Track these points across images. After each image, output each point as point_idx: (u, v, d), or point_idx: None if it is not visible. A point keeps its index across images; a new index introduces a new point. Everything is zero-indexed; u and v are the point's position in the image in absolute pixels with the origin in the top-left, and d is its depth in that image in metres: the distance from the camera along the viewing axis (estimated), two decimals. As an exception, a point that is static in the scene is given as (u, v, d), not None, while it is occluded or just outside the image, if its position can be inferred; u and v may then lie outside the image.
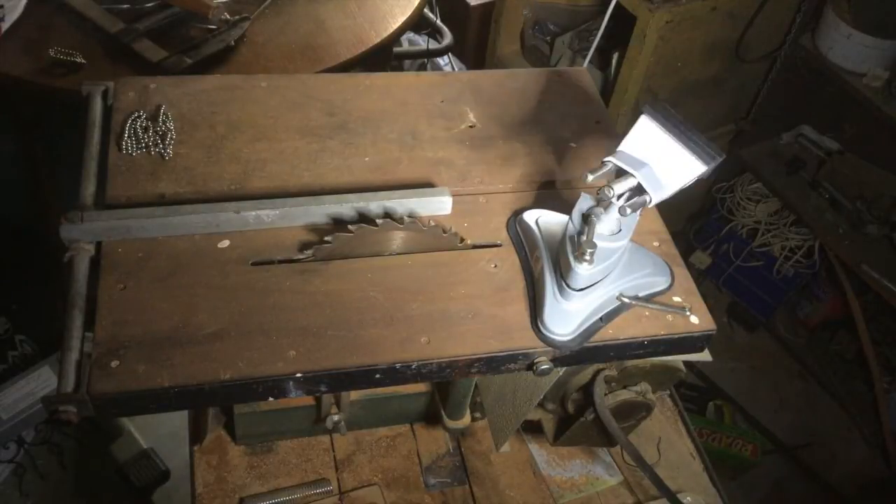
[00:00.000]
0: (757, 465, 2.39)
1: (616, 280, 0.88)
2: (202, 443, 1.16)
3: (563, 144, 1.09)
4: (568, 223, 0.86)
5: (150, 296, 0.83)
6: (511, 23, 2.47)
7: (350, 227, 0.88)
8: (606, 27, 1.95)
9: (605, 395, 1.05)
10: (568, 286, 0.85)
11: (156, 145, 0.98)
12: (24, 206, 2.16)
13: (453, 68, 2.56)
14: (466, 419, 1.18)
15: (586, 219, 0.83)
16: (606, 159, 0.82)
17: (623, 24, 2.03)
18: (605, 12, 1.93)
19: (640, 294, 0.91)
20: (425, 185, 1.00)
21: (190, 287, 0.85)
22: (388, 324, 0.85)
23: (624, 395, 1.07)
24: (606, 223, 0.83)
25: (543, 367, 0.86)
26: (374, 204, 0.93)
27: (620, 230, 0.84)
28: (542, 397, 1.05)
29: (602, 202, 0.82)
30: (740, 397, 2.65)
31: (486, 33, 2.54)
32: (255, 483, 1.13)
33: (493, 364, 0.86)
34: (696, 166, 0.80)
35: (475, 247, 0.94)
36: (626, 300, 0.89)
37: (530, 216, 0.96)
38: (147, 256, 0.87)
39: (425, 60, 2.47)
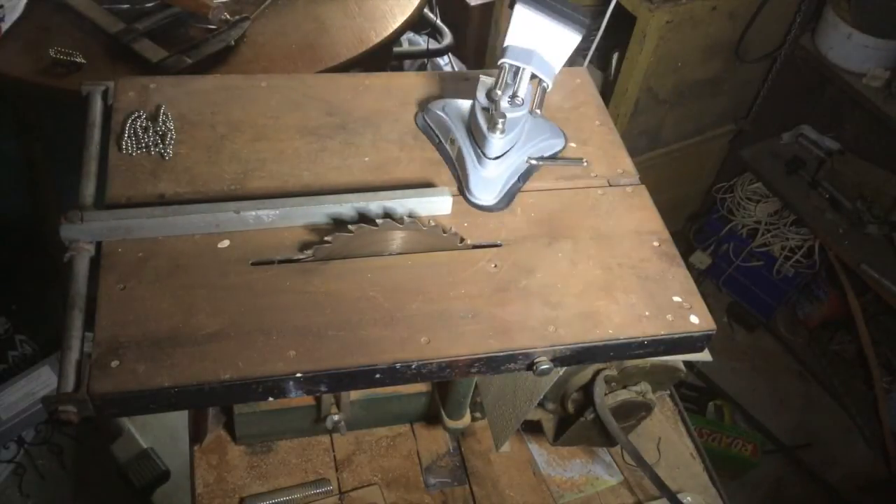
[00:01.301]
0: (757, 465, 2.39)
1: (523, 146, 1.01)
2: (202, 443, 1.16)
3: (565, 145, 1.09)
4: (475, 103, 0.97)
5: (150, 296, 0.83)
6: (511, 23, 2.47)
7: (350, 227, 0.88)
8: (606, 27, 1.95)
9: (605, 395, 1.06)
10: (486, 156, 0.97)
11: (156, 145, 0.98)
12: (24, 206, 2.16)
13: (453, 68, 2.56)
14: (466, 419, 1.18)
15: (490, 96, 0.94)
16: (501, 61, 0.92)
17: (623, 24, 2.03)
18: (605, 12, 1.93)
19: (545, 155, 1.04)
20: (425, 185, 1.00)
21: (190, 287, 0.85)
22: (388, 324, 0.85)
23: (624, 395, 1.07)
24: (501, 95, 0.94)
25: (543, 367, 0.86)
26: (374, 204, 0.93)
27: (523, 101, 0.94)
28: (542, 397, 1.05)
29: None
30: (740, 397, 2.65)
31: (486, 33, 2.54)
32: (255, 483, 1.13)
33: (493, 364, 0.86)
34: (573, 37, 0.93)
35: (475, 247, 0.94)
36: (534, 161, 1.01)
37: (436, 106, 1.05)
38: (147, 256, 0.87)
39: (425, 60, 2.47)
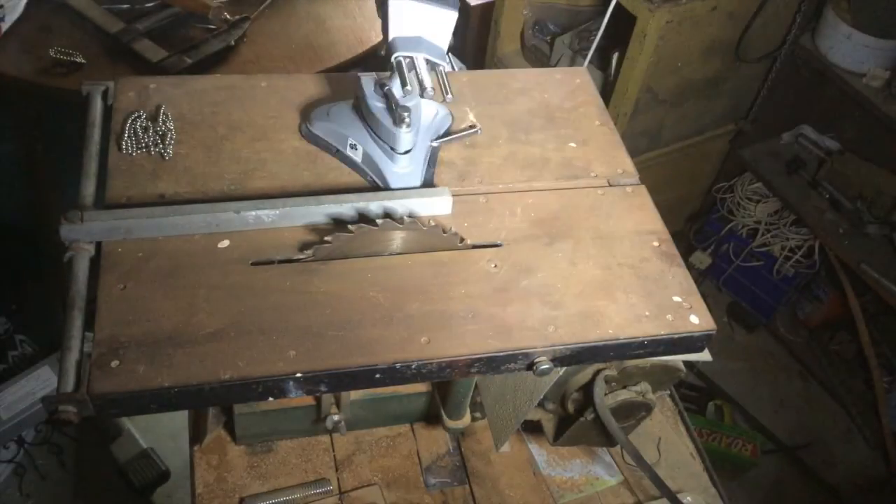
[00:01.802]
0: (757, 465, 2.39)
1: (426, 132, 1.02)
2: (202, 443, 1.16)
3: (563, 144, 1.09)
4: (367, 104, 0.97)
5: (150, 296, 0.83)
6: (511, 23, 2.47)
7: (350, 227, 0.88)
8: (606, 27, 1.95)
9: (605, 395, 1.05)
10: (397, 152, 0.97)
11: (156, 145, 0.98)
12: (24, 206, 2.16)
13: (453, 68, 2.56)
14: (466, 419, 1.18)
15: (386, 92, 0.96)
16: (395, 56, 0.93)
17: (623, 24, 2.03)
18: (605, 12, 1.93)
19: (440, 133, 1.06)
20: (425, 185, 1.00)
21: (190, 287, 0.85)
22: (388, 324, 0.85)
23: (624, 395, 1.07)
24: (398, 89, 0.95)
25: (543, 367, 0.86)
26: (374, 204, 0.93)
27: (410, 89, 0.93)
28: (542, 397, 1.05)
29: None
30: (740, 397, 2.65)
31: (486, 33, 2.54)
32: (255, 483, 1.13)
33: (493, 364, 0.86)
34: (450, 15, 0.94)
35: (475, 247, 0.94)
36: (435, 144, 1.03)
37: (319, 115, 1.04)
38: (147, 256, 0.87)
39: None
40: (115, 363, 0.77)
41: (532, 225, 0.98)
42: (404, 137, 0.95)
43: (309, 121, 1.04)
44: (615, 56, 2.18)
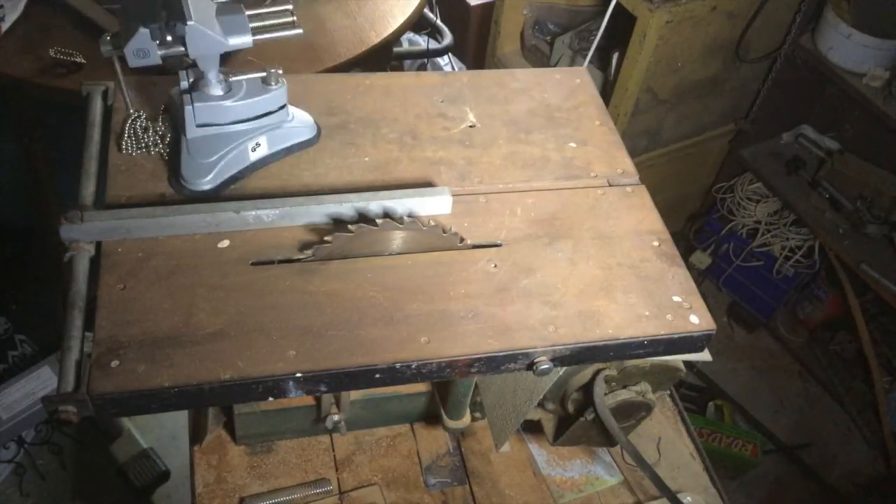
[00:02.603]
0: (757, 465, 2.39)
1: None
2: (202, 443, 1.16)
3: (563, 144, 1.09)
4: (230, 105, 0.94)
5: (150, 296, 0.83)
6: (511, 23, 2.47)
7: (350, 226, 0.88)
8: (606, 27, 1.95)
9: (605, 395, 1.05)
10: (280, 108, 0.98)
11: (155, 145, 0.98)
12: (24, 206, 2.17)
13: (453, 68, 2.57)
14: (466, 419, 1.18)
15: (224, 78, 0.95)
16: (254, 41, 0.90)
17: (623, 24, 2.03)
18: (605, 12, 1.93)
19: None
20: (425, 184, 1.00)
21: (190, 287, 0.85)
22: (388, 324, 0.85)
23: (624, 395, 1.07)
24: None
25: (543, 367, 0.86)
26: (374, 204, 0.93)
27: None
28: (542, 397, 1.05)
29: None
30: (740, 397, 2.65)
31: (486, 33, 2.54)
32: (255, 483, 1.13)
33: (493, 364, 0.86)
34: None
35: (475, 247, 0.94)
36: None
37: (197, 165, 0.96)
38: (147, 256, 0.87)
39: (425, 60, 2.47)
40: (115, 363, 0.77)
41: (532, 225, 0.98)
42: (284, 90, 0.99)
43: (187, 181, 0.94)
44: (615, 56, 2.19)
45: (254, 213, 0.90)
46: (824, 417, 2.67)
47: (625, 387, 1.08)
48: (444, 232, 0.92)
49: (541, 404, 1.11)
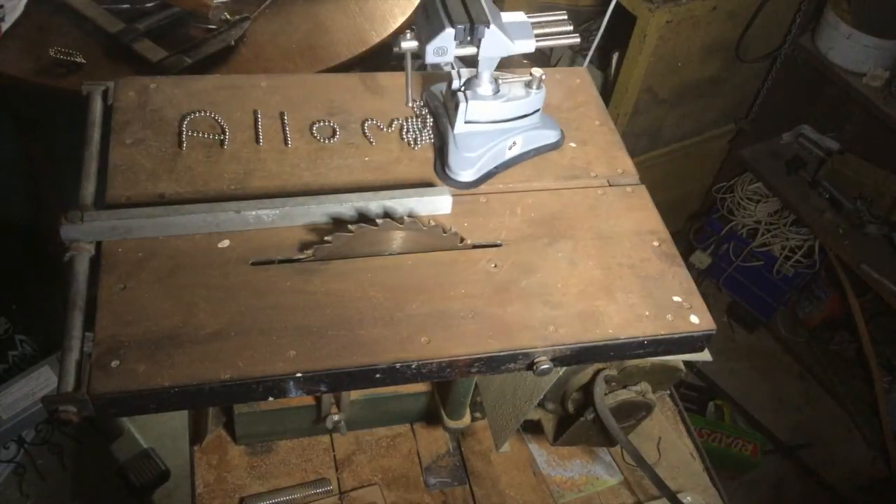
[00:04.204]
0: (757, 465, 2.39)
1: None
2: (202, 443, 1.16)
3: (563, 144, 1.09)
4: (493, 101, 0.99)
5: (150, 296, 0.83)
6: (511, 23, 2.47)
7: (350, 226, 0.88)
8: (606, 27, 1.95)
9: (605, 395, 1.05)
10: (535, 114, 1.03)
11: (430, 138, 1.05)
12: (24, 206, 2.16)
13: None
14: (466, 419, 1.18)
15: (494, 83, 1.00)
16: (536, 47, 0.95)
17: (623, 24, 2.03)
18: (605, 12, 1.93)
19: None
20: (425, 184, 1.00)
21: (190, 287, 0.85)
22: (388, 323, 0.85)
23: (624, 394, 1.07)
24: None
25: (543, 366, 0.86)
26: (374, 204, 0.93)
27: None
28: (542, 397, 1.05)
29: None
30: (740, 397, 2.65)
31: (486, 33, 2.54)
32: (255, 483, 1.13)
33: (493, 364, 0.86)
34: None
35: (475, 247, 0.94)
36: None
37: (461, 156, 1.02)
38: (147, 256, 0.87)
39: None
40: (115, 363, 0.77)
41: (532, 225, 0.98)
42: (543, 93, 1.03)
43: (453, 172, 1.01)
44: (615, 56, 2.19)
45: (254, 213, 0.90)
46: (824, 417, 2.67)
47: (625, 387, 1.08)
48: (445, 232, 0.92)
49: (541, 404, 1.11)
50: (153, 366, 0.78)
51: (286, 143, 1.02)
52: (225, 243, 0.90)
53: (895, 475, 2.47)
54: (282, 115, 1.05)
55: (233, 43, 1.57)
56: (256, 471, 1.15)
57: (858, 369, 2.66)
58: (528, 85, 1.01)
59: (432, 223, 0.91)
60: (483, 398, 1.20)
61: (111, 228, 0.87)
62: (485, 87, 1.00)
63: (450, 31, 0.91)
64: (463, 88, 1.00)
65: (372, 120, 1.07)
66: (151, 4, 1.62)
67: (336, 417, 1.12)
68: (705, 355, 1.02)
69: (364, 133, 1.05)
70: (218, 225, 0.90)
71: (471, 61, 0.97)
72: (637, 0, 1.97)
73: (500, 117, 1.01)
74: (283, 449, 1.18)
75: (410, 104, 1.06)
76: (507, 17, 0.96)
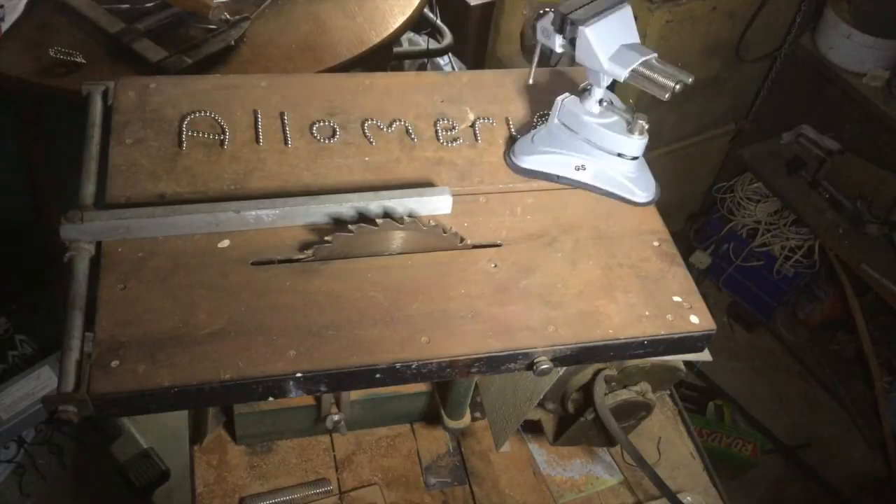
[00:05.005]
0: (757, 465, 2.39)
1: None
2: (202, 443, 1.16)
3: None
4: (590, 121, 0.98)
5: (150, 296, 0.83)
6: (511, 23, 2.47)
7: (350, 226, 0.88)
8: (606, 27, 1.95)
9: (605, 394, 1.06)
10: (629, 158, 0.99)
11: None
12: (24, 206, 2.16)
13: (453, 68, 2.56)
14: (466, 419, 1.18)
15: (610, 106, 0.98)
16: (626, 73, 0.92)
17: (623, 24, 2.03)
18: (605, 12, 1.93)
19: None
20: (425, 184, 1.00)
21: (190, 287, 0.85)
22: (388, 324, 0.85)
23: (624, 394, 1.07)
24: (617, 101, 0.99)
25: (543, 366, 0.86)
26: (374, 204, 0.93)
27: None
28: (542, 397, 1.05)
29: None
30: (740, 397, 2.65)
31: (486, 33, 2.54)
32: (255, 483, 1.13)
33: (493, 364, 0.86)
34: (627, 9, 0.95)
35: (475, 247, 0.94)
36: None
37: (524, 146, 1.03)
38: (147, 256, 0.87)
39: (425, 60, 2.47)
40: (115, 363, 0.77)
41: (532, 225, 0.98)
42: (638, 143, 0.98)
43: (514, 155, 1.04)
44: (615, 56, 2.18)
45: (254, 213, 0.90)
46: (824, 417, 2.67)
47: (625, 387, 1.08)
48: (445, 232, 0.92)
49: (541, 404, 1.11)
50: (153, 366, 0.78)
51: (286, 143, 1.02)
52: (225, 243, 0.90)
53: (895, 475, 2.47)
54: (282, 115, 1.05)
55: (233, 43, 1.57)
56: (256, 471, 1.15)
57: (858, 369, 2.66)
58: (629, 125, 0.98)
59: (432, 223, 0.91)
60: (483, 398, 1.20)
61: (111, 228, 0.87)
62: (591, 101, 0.98)
63: (551, 15, 0.94)
64: (580, 91, 1.00)
65: (372, 120, 1.07)
66: (151, 4, 1.62)
67: (336, 417, 1.12)
68: (705, 355, 1.02)
69: (364, 133, 1.05)
70: (218, 225, 0.90)
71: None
72: (637, 0, 1.97)
73: (588, 136, 0.99)
74: (283, 449, 1.18)
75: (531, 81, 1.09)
76: (634, 47, 0.94)
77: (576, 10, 0.93)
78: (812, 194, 2.48)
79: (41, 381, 2.09)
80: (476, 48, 2.64)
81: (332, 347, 0.82)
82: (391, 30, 1.69)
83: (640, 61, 0.92)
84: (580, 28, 0.92)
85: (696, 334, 0.91)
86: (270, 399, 0.82)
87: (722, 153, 2.70)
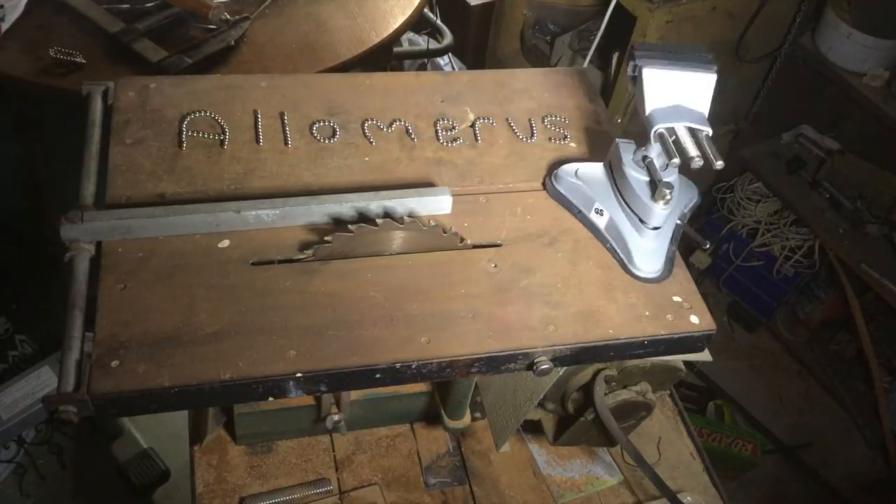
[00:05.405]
0: (757, 465, 2.39)
1: (674, 208, 0.96)
2: (202, 443, 1.16)
3: (564, 144, 1.09)
4: (623, 170, 0.93)
5: (151, 296, 0.83)
6: (511, 23, 2.47)
7: (350, 226, 0.88)
8: (606, 27, 1.95)
9: (605, 394, 1.05)
10: (648, 226, 0.92)
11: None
12: (24, 206, 2.16)
13: (453, 68, 2.56)
14: (466, 419, 1.18)
15: (647, 164, 0.91)
16: (655, 129, 0.89)
17: (623, 24, 2.03)
18: (605, 12, 1.93)
19: (684, 211, 0.99)
20: (425, 184, 1.00)
21: (190, 287, 0.85)
22: (388, 324, 0.85)
23: (624, 394, 1.07)
24: (660, 162, 0.91)
25: (543, 366, 0.86)
26: (374, 204, 0.93)
27: (668, 165, 0.89)
28: (542, 397, 1.05)
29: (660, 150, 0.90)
30: (740, 397, 2.65)
31: (486, 33, 2.54)
32: (255, 483, 1.13)
33: (493, 364, 0.86)
34: (709, 78, 0.90)
35: (475, 247, 0.94)
36: (679, 223, 0.97)
37: (567, 171, 1.00)
38: (147, 256, 0.87)
39: (425, 60, 2.47)
40: (115, 363, 0.77)
41: (532, 225, 0.98)
42: (660, 213, 0.91)
43: (555, 177, 1.01)
44: (615, 56, 2.18)
45: (254, 213, 0.90)
46: (824, 417, 2.67)
47: (625, 387, 1.08)
48: (445, 232, 0.92)
49: (541, 404, 1.11)
50: (153, 366, 0.78)
51: (286, 143, 1.02)
52: (225, 243, 0.90)
53: (895, 475, 2.47)
54: (282, 115, 1.05)
55: (233, 43, 1.56)
56: (256, 471, 1.15)
57: (858, 369, 2.66)
58: (653, 192, 0.91)
59: (432, 223, 0.91)
60: (483, 398, 1.20)
61: (111, 228, 0.87)
62: (638, 152, 0.93)
63: (649, 146, 0.91)
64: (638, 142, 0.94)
65: (372, 120, 1.07)
66: (151, 4, 1.62)
67: (336, 417, 1.12)
68: (705, 355, 1.02)
69: (364, 133, 1.05)
70: (218, 225, 0.90)
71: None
72: (637, 0, 1.98)
73: (619, 181, 0.95)
74: (283, 449, 1.18)
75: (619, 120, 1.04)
76: (693, 114, 0.90)
77: (660, 52, 0.89)
78: (812, 194, 2.48)
79: (41, 381, 2.09)
80: (476, 48, 2.64)
81: (333, 347, 0.82)
82: (391, 30, 1.69)
83: (679, 125, 0.88)
84: (640, 66, 0.89)
85: (696, 334, 0.91)
86: (270, 399, 0.82)
87: (722, 153, 2.70)
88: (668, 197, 0.89)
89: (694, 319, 0.91)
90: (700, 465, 1.26)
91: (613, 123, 1.15)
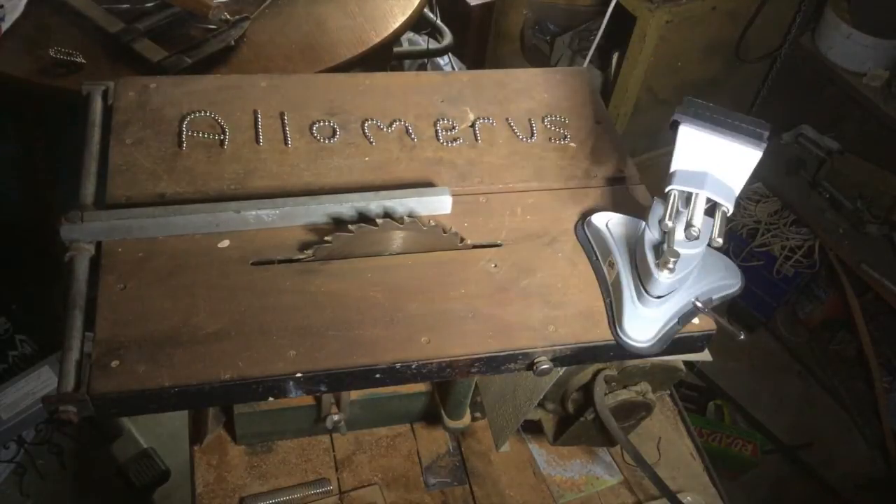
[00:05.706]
0: (757, 465, 2.39)
1: (693, 284, 0.88)
2: (202, 443, 1.16)
3: (563, 144, 1.09)
4: (644, 230, 0.87)
5: (150, 296, 0.83)
6: (511, 23, 2.47)
7: (350, 226, 0.88)
8: (606, 27, 1.95)
9: (605, 395, 1.05)
10: (648, 293, 0.86)
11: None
12: (24, 206, 2.16)
13: (453, 68, 2.56)
14: (466, 419, 1.18)
15: (662, 226, 0.84)
16: (669, 188, 0.82)
17: (623, 24, 2.03)
18: (605, 12, 1.93)
19: (713, 297, 0.91)
20: (425, 184, 1.00)
21: (190, 287, 0.85)
22: (388, 324, 0.85)
23: (624, 395, 1.07)
24: (682, 229, 0.83)
25: (543, 367, 0.86)
26: (374, 204, 0.93)
27: (699, 232, 0.82)
28: (542, 397, 1.05)
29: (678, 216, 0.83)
30: (740, 397, 2.65)
31: (486, 33, 2.54)
32: (255, 483, 1.13)
33: (493, 364, 0.86)
34: (752, 154, 0.79)
35: (475, 247, 0.94)
36: (699, 305, 0.87)
37: (600, 219, 0.95)
38: (147, 256, 0.87)
39: (425, 60, 2.47)
40: (115, 363, 0.77)
41: (532, 225, 0.98)
42: (661, 281, 0.83)
43: (588, 220, 0.96)
44: (615, 56, 2.19)
45: (254, 212, 0.90)
46: (824, 417, 2.67)
47: (625, 387, 1.08)
48: (445, 232, 0.92)
49: (541, 404, 1.11)
50: (153, 366, 0.78)
51: (286, 143, 1.02)
52: (225, 243, 0.90)
53: (895, 475, 2.47)
54: (282, 115, 1.05)
55: (233, 43, 1.56)
56: (256, 471, 1.15)
57: (858, 369, 2.65)
58: (661, 260, 0.84)
59: (432, 223, 0.91)
60: (483, 398, 1.20)
61: (111, 228, 0.87)
62: (666, 212, 0.84)
63: (673, 197, 0.83)
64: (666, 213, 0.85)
65: (372, 120, 1.07)
66: (151, 4, 1.62)
67: (336, 417, 1.12)
68: (705, 355, 1.02)
69: (364, 133, 1.05)
70: (218, 225, 0.90)
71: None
72: (637, 0, 1.98)
73: (640, 238, 0.89)
74: (283, 449, 1.18)
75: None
76: (721, 186, 0.82)
77: (707, 111, 0.81)
78: (812, 194, 2.48)
79: (41, 381, 2.09)
80: (476, 48, 2.64)
81: (333, 347, 0.82)
82: (391, 30, 1.69)
83: (701, 193, 0.80)
84: (678, 121, 0.81)
85: (696, 334, 0.91)
86: (270, 399, 0.82)
87: (722, 153, 2.70)
88: (671, 265, 0.81)
89: (694, 319, 0.91)
90: (700, 465, 1.26)
91: (613, 123, 1.15)
